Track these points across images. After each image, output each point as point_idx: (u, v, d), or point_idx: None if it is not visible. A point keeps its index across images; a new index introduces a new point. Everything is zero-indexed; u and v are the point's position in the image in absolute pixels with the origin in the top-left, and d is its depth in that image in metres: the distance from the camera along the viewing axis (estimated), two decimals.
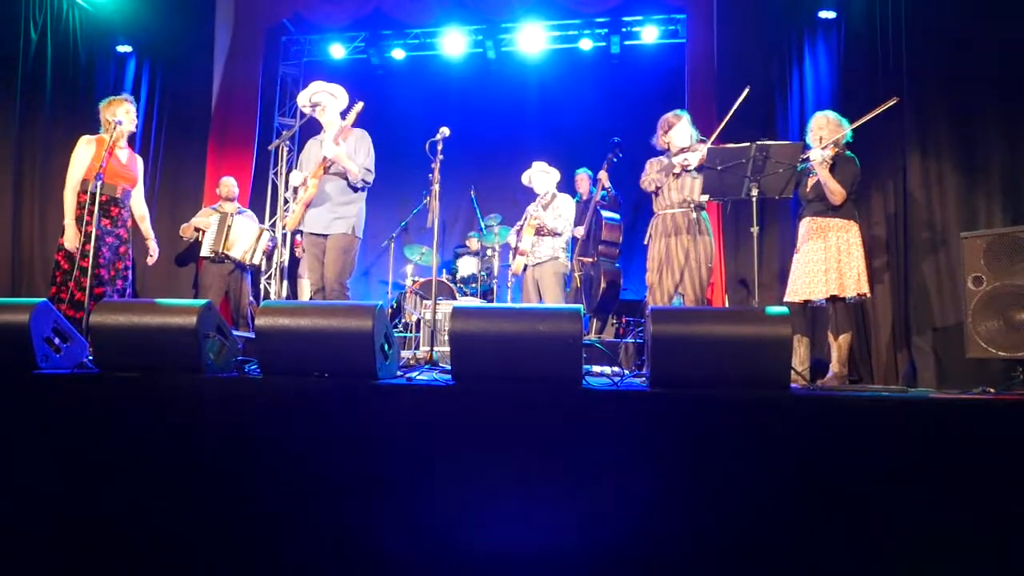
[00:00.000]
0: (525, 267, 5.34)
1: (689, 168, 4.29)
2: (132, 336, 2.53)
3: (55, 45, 5.97)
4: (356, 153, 4.21)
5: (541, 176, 5.38)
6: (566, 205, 5.34)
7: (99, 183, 4.07)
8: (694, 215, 4.30)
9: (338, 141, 4.17)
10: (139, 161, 4.61)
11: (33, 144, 5.73)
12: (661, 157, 4.53)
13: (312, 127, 4.61)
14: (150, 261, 4.67)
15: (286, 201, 7.61)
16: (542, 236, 5.21)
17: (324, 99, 4.31)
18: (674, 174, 4.34)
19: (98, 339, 2.59)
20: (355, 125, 4.33)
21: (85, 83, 6.15)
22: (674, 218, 4.36)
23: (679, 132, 4.42)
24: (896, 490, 2.04)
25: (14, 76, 5.65)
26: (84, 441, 2.40)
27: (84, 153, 4.34)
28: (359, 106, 4.23)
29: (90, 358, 2.80)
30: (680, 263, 4.29)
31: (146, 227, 4.71)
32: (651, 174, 4.46)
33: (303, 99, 4.40)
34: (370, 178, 4.28)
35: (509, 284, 6.38)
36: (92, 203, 4.08)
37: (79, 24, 6.18)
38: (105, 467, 2.37)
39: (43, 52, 5.89)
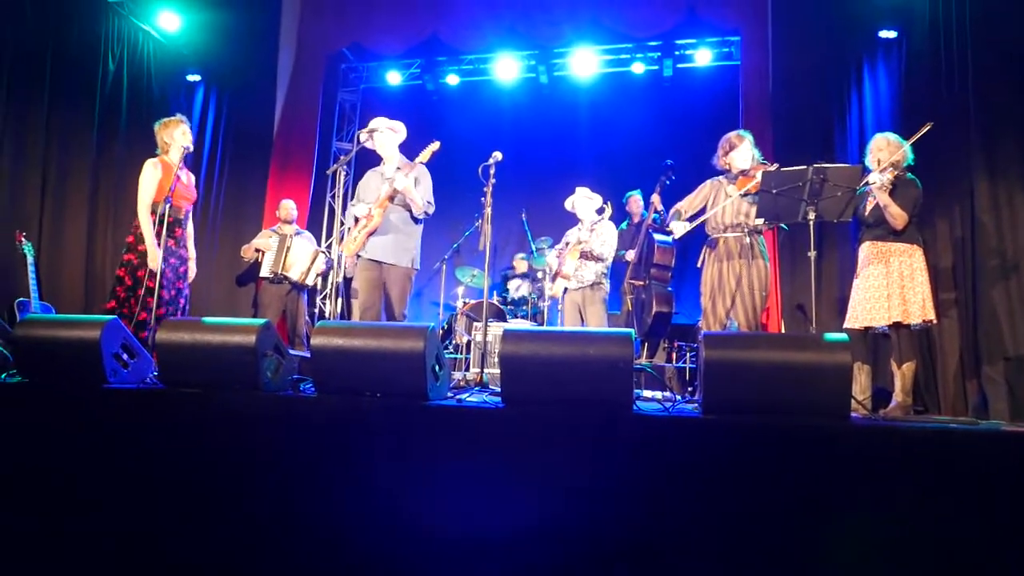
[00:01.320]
0: (565, 290, 5.32)
1: (677, 237, 4.46)
2: (194, 353, 2.63)
3: (130, 75, 6.30)
4: (418, 187, 4.42)
5: (585, 202, 5.36)
6: (609, 231, 5.32)
7: (168, 205, 4.26)
8: (747, 240, 4.22)
9: (406, 174, 4.35)
10: (193, 179, 4.69)
11: (109, 168, 6.04)
12: (720, 178, 4.46)
13: (370, 152, 4.73)
14: (190, 274, 4.69)
15: (342, 223, 7.79)
16: (586, 260, 5.19)
17: (385, 133, 4.53)
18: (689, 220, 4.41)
19: (163, 355, 2.69)
20: (411, 155, 4.52)
21: (158, 110, 6.45)
22: (727, 242, 4.28)
23: (741, 153, 4.32)
24: (965, 528, 1.94)
25: (93, 104, 5.99)
26: (147, 453, 2.49)
27: (152, 175, 4.41)
28: (436, 145, 4.45)
29: (155, 374, 2.91)
30: (731, 288, 4.21)
31: (190, 246, 4.71)
32: (671, 212, 4.59)
33: (365, 135, 4.59)
34: (431, 210, 4.51)
35: (560, 307, 6.37)
36: (161, 225, 4.24)
37: (153, 55, 6.52)
38: (166, 478, 2.45)
39: (119, 81, 6.22)
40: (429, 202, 4.48)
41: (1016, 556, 1.90)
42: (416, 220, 4.48)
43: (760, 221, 4.14)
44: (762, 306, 4.24)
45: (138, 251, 4.36)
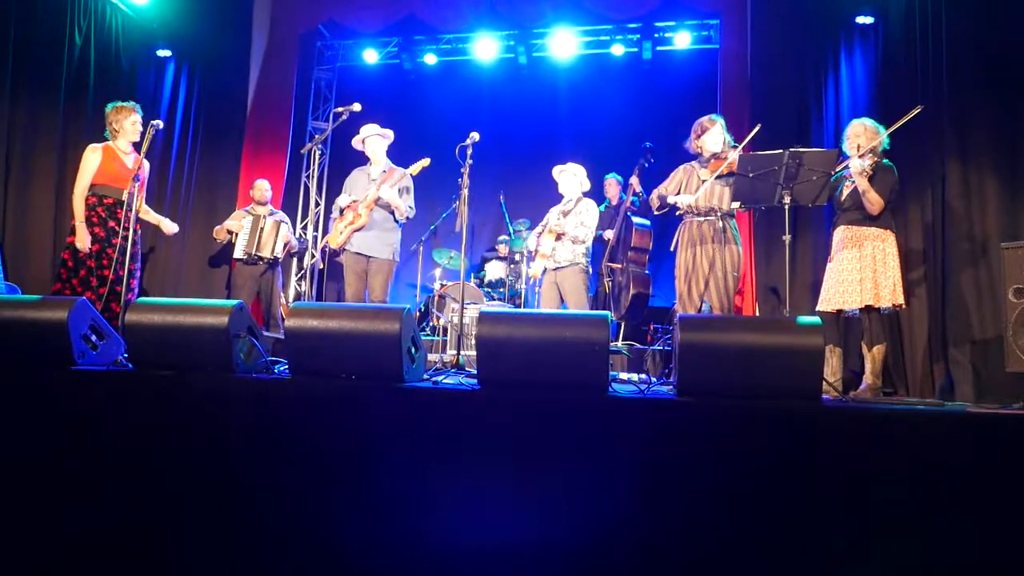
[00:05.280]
0: (544, 271, 5.23)
1: (684, 208, 4.39)
2: (165, 335, 2.59)
3: (98, 49, 6.12)
4: (405, 196, 4.93)
5: (569, 179, 5.18)
6: (590, 212, 5.14)
7: (137, 183, 4.39)
8: (720, 224, 4.26)
9: (392, 182, 4.82)
10: (145, 165, 4.77)
11: (76, 144, 5.85)
12: (692, 162, 4.50)
13: (345, 130, 4.98)
14: (171, 231, 5.04)
15: (317, 203, 7.70)
16: (563, 241, 5.10)
17: (375, 139, 4.98)
18: (681, 205, 4.40)
19: (133, 337, 2.65)
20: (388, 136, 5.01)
21: (127, 87, 6.30)
22: (700, 226, 4.33)
23: (712, 137, 4.38)
24: (930, 507, 1.99)
25: (59, 80, 5.81)
26: (117, 436, 2.45)
27: (91, 160, 4.60)
28: (426, 162, 4.87)
29: (125, 355, 2.86)
30: (705, 272, 4.26)
31: (152, 216, 4.98)
32: (658, 193, 4.57)
33: (357, 140, 5.03)
34: (412, 215, 5.01)
35: (537, 290, 6.33)
36: (128, 208, 4.36)
37: (121, 29, 6.34)
38: (136, 462, 2.41)
39: (87, 56, 6.04)
40: (411, 207, 4.97)
41: (976, 535, 1.95)
42: (396, 220, 4.94)
43: (736, 204, 4.17)
44: (735, 288, 4.30)
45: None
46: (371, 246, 4.85)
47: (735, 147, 4.34)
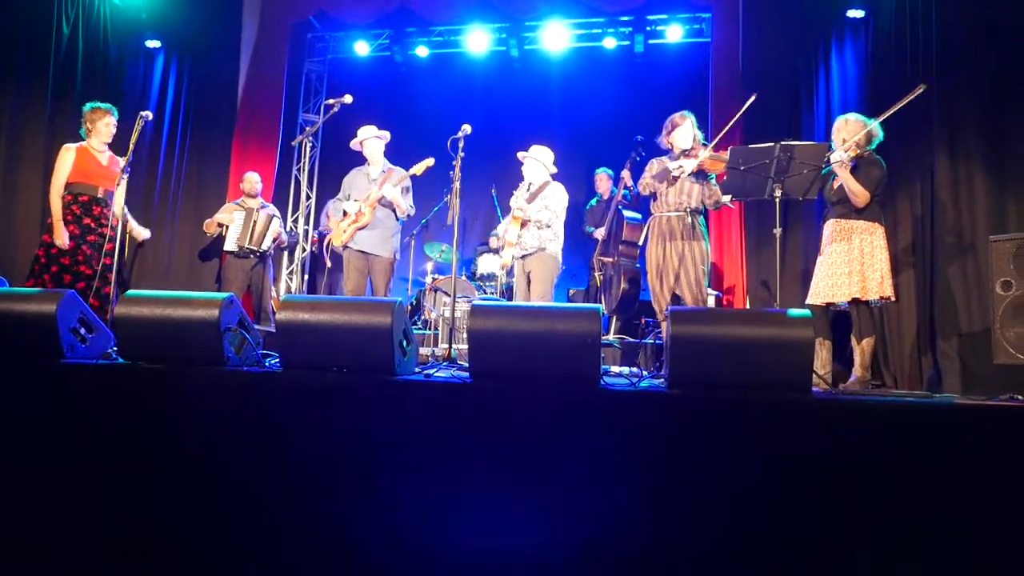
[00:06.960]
0: (514, 259, 5.13)
1: (684, 175, 4.30)
2: (155, 328, 2.57)
3: (86, 40, 6.06)
4: (406, 195, 5.10)
5: (532, 164, 5.07)
6: (556, 195, 4.98)
7: (127, 173, 4.47)
8: (689, 219, 4.31)
9: (393, 181, 4.97)
10: (120, 163, 4.83)
11: (63, 136, 5.79)
12: (664, 157, 4.54)
13: (336, 123, 4.99)
14: (142, 236, 5.17)
15: (308, 197, 7.68)
16: (528, 228, 4.96)
17: (373, 140, 5.12)
18: (670, 180, 4.35)
19: (122, 330, 2.63)
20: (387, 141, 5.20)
21: (115, 77, 6.26)
22: (669, 221, 4.38)
23: (682, 133, 4.42)
24: (918, 497, 2.01)
25: (46, 70, 5.75)
26: (107, 430, 2.44)
27: (66, 159, 4.70)
28: (431, 161, 4.95)
29: (115, 349, 2.84)
30: (675, 266, 4.32)
31: (129, 220, 5.07)
32: (647, 178, 4.50)
33: (356, 143, 5.18)
34: (412, 212, 5.21)
35: (512, 278, 6.30)
36: (107, 205, 4.49)
37: (110, 19, 6.28)
38: (126, 456, 2.40)
39: (74, 46, 5.98)
40: (411, 205, 5.16)
41: (964, 525, 1.97)
42: (397, 218, 5.13)
43: (726, 198, 4.21)
44: (706, 281, 4.35)
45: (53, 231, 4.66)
46: (374, 244, 5.01)
47: (706, 145, 4.38)
